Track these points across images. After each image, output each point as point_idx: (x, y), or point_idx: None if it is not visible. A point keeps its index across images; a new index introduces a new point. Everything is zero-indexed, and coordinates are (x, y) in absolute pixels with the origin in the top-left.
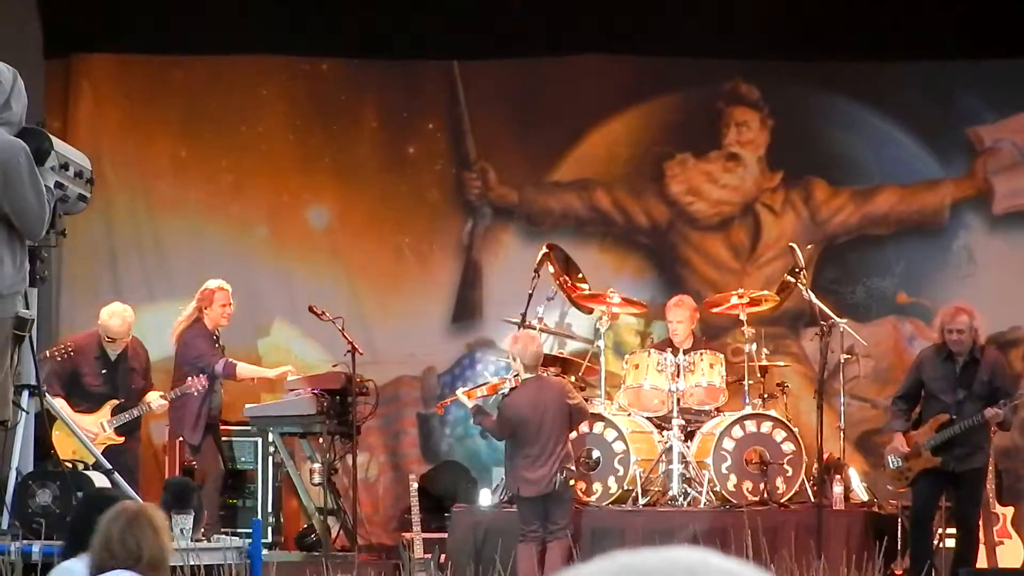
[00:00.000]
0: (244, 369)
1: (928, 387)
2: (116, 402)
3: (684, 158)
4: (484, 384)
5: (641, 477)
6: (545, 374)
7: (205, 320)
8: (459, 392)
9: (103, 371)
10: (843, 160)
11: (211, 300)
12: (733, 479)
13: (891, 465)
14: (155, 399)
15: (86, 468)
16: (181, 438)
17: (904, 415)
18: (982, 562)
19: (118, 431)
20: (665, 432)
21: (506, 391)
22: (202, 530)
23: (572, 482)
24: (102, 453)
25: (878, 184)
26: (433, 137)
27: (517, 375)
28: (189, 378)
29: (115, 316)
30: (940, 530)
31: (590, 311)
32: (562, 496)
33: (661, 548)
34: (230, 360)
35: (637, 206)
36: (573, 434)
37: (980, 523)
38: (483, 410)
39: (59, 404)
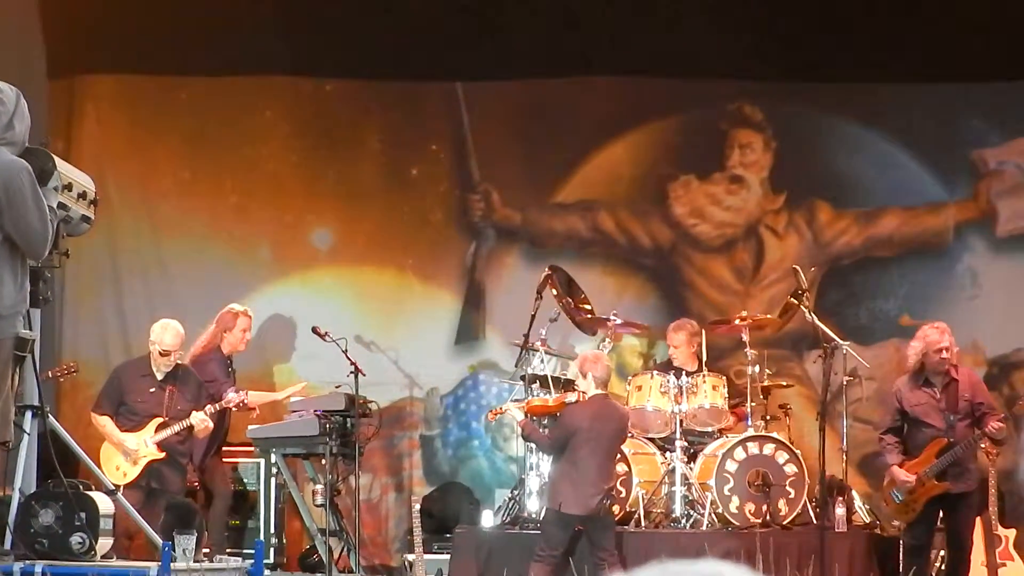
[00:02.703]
0: (255, 397)
1: (912, 415)
2: (161, 420)
3: (688, 180)
4: (551, 397)
5: (644, 499)
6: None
7: (223, 345)
8: (509, 404)
9: (150, 390)
10: (847, 182)
11: (232, 324)
12: (736, 501)
13: (896, 500)
14: (197, 417)
15: (87, 489)
16: (188, 459)
17: (897, 448)
18: None
19: (160, 446)
20: (668, 453)
21: (571, 400)
22: (204, 551)
23: (615, 508)
24: (144, 469)
25: (882, 206)
26: (436, 159)
27: (584, 392)
28: (231, 392)
29: (168, 330)
30: (942, 552)
31: (594, 333)
32: (605, 521)
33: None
34: (240, 390)
35: (640, 228)
36: None
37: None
38: (532, 424)
39: (104, 422)
